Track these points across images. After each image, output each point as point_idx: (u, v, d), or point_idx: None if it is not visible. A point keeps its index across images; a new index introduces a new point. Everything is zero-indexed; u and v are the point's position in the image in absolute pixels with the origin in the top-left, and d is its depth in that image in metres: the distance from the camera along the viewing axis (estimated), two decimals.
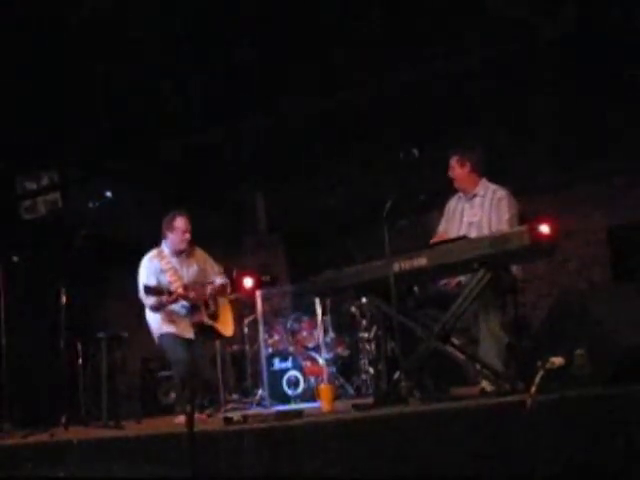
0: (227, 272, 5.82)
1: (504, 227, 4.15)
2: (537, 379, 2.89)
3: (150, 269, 5.20)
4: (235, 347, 7.56)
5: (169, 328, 5.16)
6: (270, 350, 7.19)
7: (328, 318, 7.12)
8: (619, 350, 3.00)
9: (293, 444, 3.07)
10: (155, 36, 5.97)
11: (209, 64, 6.31)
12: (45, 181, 7.75)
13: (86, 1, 5.64)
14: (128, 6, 5.64)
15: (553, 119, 6.70)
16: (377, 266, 4.02)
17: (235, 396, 7.28)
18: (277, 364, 6.98)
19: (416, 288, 4.36)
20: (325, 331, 7.03)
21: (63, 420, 5.04)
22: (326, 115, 6.98)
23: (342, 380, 6.87)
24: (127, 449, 3.55)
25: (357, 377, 6.92)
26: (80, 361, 6.34)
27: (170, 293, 5.03)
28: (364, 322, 7.02)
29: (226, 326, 5.53)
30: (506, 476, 2.65)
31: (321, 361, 6.86)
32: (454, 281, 4.26)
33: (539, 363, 3.01)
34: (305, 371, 6.84)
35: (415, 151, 4.07)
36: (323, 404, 4.25)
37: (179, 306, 5.19)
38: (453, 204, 4.63)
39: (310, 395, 6.61)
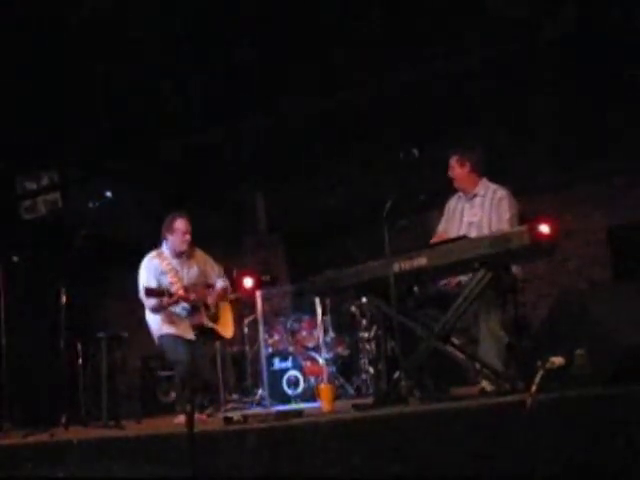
0: (227, 272, 5.82)
1: (504, 227, 4.15)
2: (537, 379, 2.89)
3: (150, 270, 5.20)
4: (235, 347, 7.56)
5: (169, 329, 5.16)
6: (270, 350, 7.19)
7: (328, 318, 7.13)
8: (619, 350, 3.00)
9: (293, 444, 3.07)
10: (155, 36, 5.97)
11: (209, 64, 6.31)
12: (45, 181, 7.75)
13: (86, 1, 5.64)
14: (128, 6, 5.64)
15: (553, 119, 6.70)
16: (377, 266, 4.02)
17: (235, 396, 7.28)
18: (277, 364, 6.99)
19: (416, 288, 4.36)
20: (325, 331, 7.03)
21: (63, 420, 5.04)
22: (326, 115, 6.98)
23: (342, 380, 6.87)
24: (127, 449, 3.55)
25: (357, 377, 6.92)
26: (80, 361, 6.34)
27: (171, 295, 5.03)
28: (364, 322, 7.01)
29: (226, 328, 5.53)
30: (506, 476, 2.64)
31: (321, 361, 6.86)
32: (454, 281, 4.26)
33: (539, 363, 3.01)
34: (305, 371, 6.84)
35: (415, 151, 4.07)
36: (323, 404, 4.25)
37: (179, 308, 5.19)
38: (453, 204, 4.63)
39: (310, 395, 6.61)
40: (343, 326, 7.32)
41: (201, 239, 5.56)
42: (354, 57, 6.17)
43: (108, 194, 5.33)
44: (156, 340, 5.23)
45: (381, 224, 3.99)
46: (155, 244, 5.39)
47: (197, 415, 4.40)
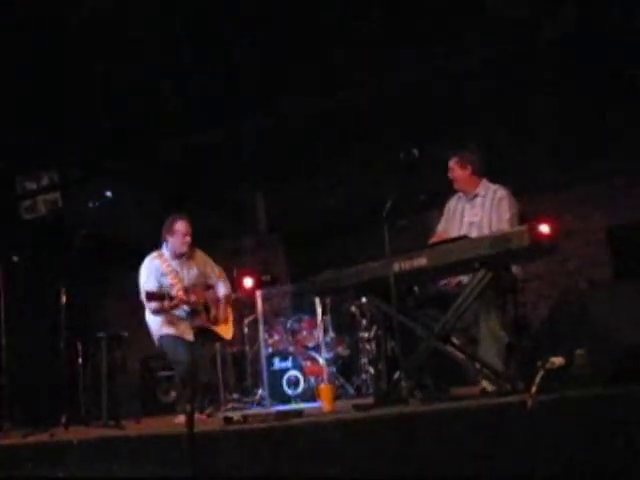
0: (227, 272, 5.83)
1: (504, 227, 4.15)
2: (537, 379, 2.89)
3: (151, 271, 5.20)
4: (235, 347, 7.56)
5: (169, 330, 5.16)
6: (270, 350, 7.19)
7: (328, 318, 7.13)
8: (619, 350, 3.00)
9: (293, 444, 3.07)
10: (155, 36, 5.97)
11: (209, 64, 6.31)
12: (45, 181, 7.74)
13: (86, 1, 5.64)
14: (128, 6, 5.64)
15: (553, 119, 6.70)
16: (377, 266, 4.02)
17: (235, 396, 7.28)
18: (277, 364, 6.98)
19: (416, 288, 4.36)
20: (325, 331, 7.04)
21: (63, 420, 5.03)
22: (326, 115, 6.97)
23: (342, 380, 6.87)
24: (127, 449, 3.55)
25: (357, 377, 6.92)
26: (80, 361, 6.33)
27: (171, 298, 5.03)
28: (364, 322, 7.01)
29: (226, 329, 5.53)
30: (506, 476, 2.64)
31: (321, 361, 6.86)
32: (454, 281, 4.26)
33: (539, 363, 3.01)
34: (305, 371, 6.84)
35: (415, 151, 4.07)
36: (324, 404, 4.25)
37: (180, 310, 5.20)
38: (453, 204, 4.63)
39: (310, 395, 6.61)
40: (343, 326, 7.32)
41: (201, 239, 5.56)
42: (354, 57, 6.16)
43: (108, 194, 5.33)
44: (156, 341, 5.23)
45: (381, 224, 3.98)
46: (155, 244, 5.39)
47: (197, 415, 4.41)
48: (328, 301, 7.05)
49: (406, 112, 6.73)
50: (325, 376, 6.70)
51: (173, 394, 7.35)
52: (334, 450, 2.96)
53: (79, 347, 6.34)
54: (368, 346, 6.90)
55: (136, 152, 7.45)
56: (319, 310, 6.85)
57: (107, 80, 6.42)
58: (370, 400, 4.45)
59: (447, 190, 4.66)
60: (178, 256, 5.32)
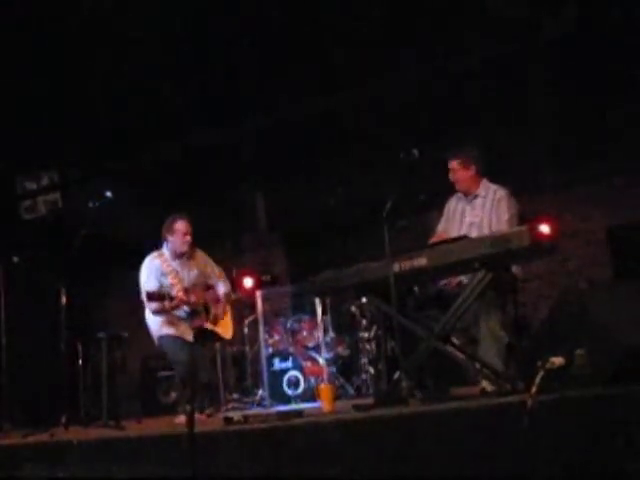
0: (227, 272, 5.83)
1: (503, 227, 4.15)
2: (537, 379, 2.89)
3: (152, 270, 5.20)
4: (235, 347, 7.56)
5: (169, 330, 5.16)
6: (270, 350, 7.18)
7: (328, 318, 7.12)
8: (619, 350, 3.00)
9: (293, 444, 3.07)
10: (155, 36, 5.96)
11: (209, 64, 6.31)
12: (45, 181, 7.74)
13: (86, 1, 5.63)
14: (128, 6, 5.64)
15: (553, 119, 6.70)
16: (377, 266, 4.02)
17: (235, 396, 7.28)
18: (277, 364, 6.98)
19: (416, 288, 4.36)
20: (325, 331, 7.03)
21: (63, 420, 5.04)
22: (326, 115, 6.97)
23: (342, 380, 6.87)
24: (127, 449, 3.55)
25: (357, 377, 6.92)
26: (80, 361, 6.33)
27: (172, 299, 5.03)
28: (364, 322, 7.01)
29: (226, 329, 5.54)
30: (506, 476, 2.64)
31: (321, 361, 6.86)
32: (454, 281, 4.26)
33: (539, 363, 3.01)
34: (305, 371, 6.84)
35: (415, 151, 4.07)
36: (324, 404, 4.25)
37: (180, 310, 5.19)
38: (453, 204, 4.63)
39: (310, 395, 6.61)
40: (343, 326, 7.32)
41: (201, 239, 5.57)
42: (354, 57, 6.16)
43: (108, 194, 5.33)
44: (156, 341, 5.24)
45: (381, 224, 3.98)
46: (155, 244, 5.39)
47: (197, 415, 4.41)
48: (328, 301, 7.05)
49: (406, 112, 6.73)
50: (325, 376, 6.70)
51: (173, 394, 7.35)
52: (334, 450, 2.96)
53: (79, 347, 6.34)
54: (368, 346, 6.90)
55: (136, 152, 7.44)
56: (319, 310, 6.85)
57: (107, 80, 6.41)
58: (370, 400, 4.45)
59: (447, 190, 4.66)
60: (178, 256, 5.32)
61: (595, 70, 6.12)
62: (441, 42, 6.01)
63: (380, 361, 6.57)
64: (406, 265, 3.90)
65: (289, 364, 6.94)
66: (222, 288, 5.52)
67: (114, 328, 6.83)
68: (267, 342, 7.21)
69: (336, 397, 5.05)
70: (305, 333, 7.24)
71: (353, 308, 7.12)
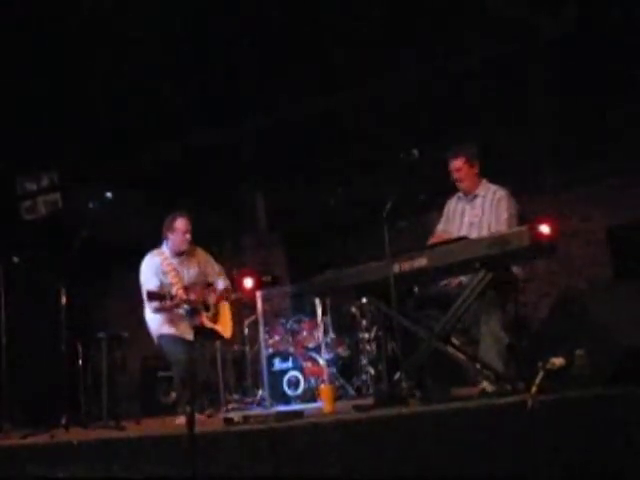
0: (227, 272, 5.82)
1: (502, 227, 4.15)
2: (538, 379, 2.89)
3: (152, 268, 5.20)
4: (235, 348, 7.55)
5: (168, 329, 5.15)
6: (270, 350, 7.18)
7: (328, 318, 7.12)
8: (619, 350, 3.00)
9: (294, 445, 3.07)
10: (155, 36, 5.97)
11: (209, 64, 6.31)
12: (45, 181, 7.75)
13: (86, 1, 5.63)
14: (128, 6, 5.64)
15: (553, 119, 6.70)
16: (377, 267, 4.02)
17: (235, 396, 7.27)
18: (277, 364, 6.98)
19: (416, 288, 4.35)
20: (325, 331, 7.03)
21: (63, 421, 5.03)
22: (326, 115, 6.98)
23: (342, 381, 6.86)
24: (127, 450, 3.55)
25: (357, 378, 6.91)
26: (80, 361, 6.33)
27: (172, 297, 5.03)
28: (364, 322, 7.01)
29: (225, 327, 5.54)
30: (506, 476, 2.64)
31: (321, 361, 6.85)
32: (455, 281, 4.25)
33: (540, 363, 3.01)
34: (305, 371, 6.83)
35: (415, 151, 4.07)
36: (324, 405, 4.25)
37: (180, 308, 5.19)
38: (453, 204, 4.63)
39: (310, 395, 6.61)
40: (343, 327, 7.32)
41: (201, 239, 5.57)
42: (354, 57, 6.16)
43: (108, 195, 5.34)
44: (155, 340, 5.23)
45: (381, 224, 3.98)
46: (155, 244, 5.39)
47: (197, 416, 4.40)
48: (328, 302, 7.04)
49: (406, 112, 6.73)
50: (325, 377, 6.69)
51: (173, 395, 7.34)
52: (334, 451, 2.96)
53: (79, 347, 6.34)
54: (368, 347, 6.90)
55: (136, 152, 7.45)
56: (319, 311, 6.84)
57: (107, 80, 6.41)
58: (370, 401, 4.44)
59: (447, 190, 4.66)
60: (178, 254, 5.32)
61: (595, 70, 6.12)
62: (441, 42, 6.01)
63: (380, 362, 6.56)
64: (406, 265, 3.90)
65: (289, 364, 6.94)
66: (221, 284, 5.52)
67: (114, 328, 6.83)
68: (267, 342, 7.21)
69: (336, 398, 5.05)
70: (305, 333, 7.24)
71: (353, 309, 7.12)
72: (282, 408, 6.15)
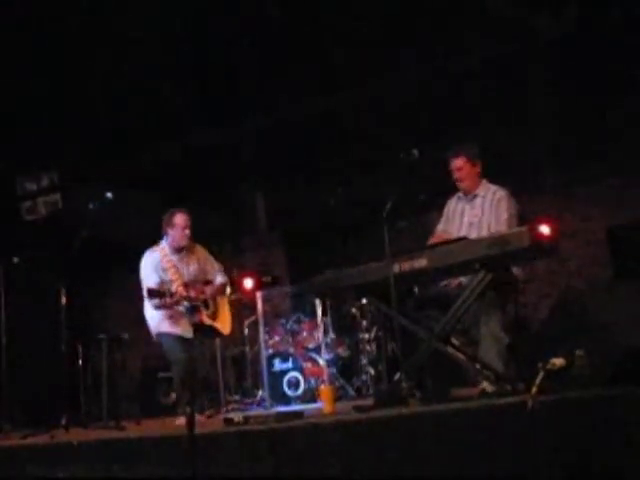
0: (227, 272, 5.82)
1: (502, 228, 4.15)
2: (538, 380, 2.89)
3: (152, 265, 5.18)
4: (235, 348, 7.55)
5: (168, 328, 5.14)
6: (270, 351, 7.17)
7: (328, 319, 7.11)
8: (619, 350, 3.00)
9: (294, 445, 3.07)
10: (155, 36, 5.97)
11: (209, 64, 6.31)
12: (45, 182, 7.75)
13: (86, 1, 5.63)
14: (128, 6, 5.64)
15: (553, 119, 6.69)
16: (377, 267, 4.01)
17: (235, 397, 7.27)
18: (277, 365, 6.97)
19: (416, 289, 4.35)
20: (325, 332, 7.02)
21: (63, 421, 5.03)
22: (326, 115, 6.97)
23: (342, 381, 6.85)
24: (128, 450, 3.55)
25: (357, 378, 6.91)
26: (80, 362, 6.33)
27: (172, 295, 5.03)
28: (364, 323, 7.00)
29: (225, 324, 5.53)
30: (506, 477, 2.64)
31: (321, 362, 6.85)
32: (455, 282, 4.25)
33: (540, 364, 3.01)
34: (305, 372, 6.83)
35: (415, 151, 4.07)
36: (324, 405, 4.25)
37: (180, 305, 5.18)
38: (453, 204, 4.63)
39: (310, 396, 6.60)
40: (343, 327, 7.31)
41: (201, 239, 5.57)
42: (354, 57, 6.16)
43: (108, 195, 5.34)
44: (154, 336, 5.22)
45: (381, 225, 3.98)
46: (155, 244, 5.38)
47: (197, 416, 4.40)
48: (328, 302, 7.04)
49: (406, 112, 6.73)
50: (325, 377, 6.68)
51: (173, 396, 7.34)
52: (334, 451, 2.96)
53: (79, 348, 6.34)
54: (368, 347, 6.89)
55: (136, 152, 7.44)
56: (319, 311, 6.84)
57: (107, 80, 6.41)
58: (370, 401, 4.44)
59: (447, 190, 4.65)
60: (178, 250, 5.31)
61: (595, 70, 6.11)
62: (441, 42, 6.01)
63: (380, 362, 6.56)
64: (406, 266, 3.90)
65: (289, 365, 6.94)
66: (219, 279, 5.51)
67: (114, 328, 6.83)
68: (267, 343, 7.21)
69: (336, 398, 5.05)
70: (305, 334, 7.23)
71: (353, 309, 7.12)
72: (282, 409, 6.14)
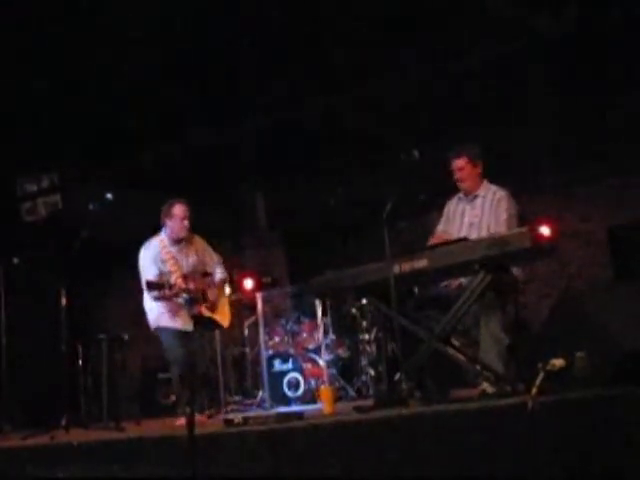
0: (227, 273, 5.81)
1: (502, 228, 4.15)
2: (538, 381, 2.89)
3: (151, 256, 5.14)
4: (235, 349, 7.55)
5: (167, 322, 5.11)
6: (270, 352, 7.18)
7: (328, 320, 7.11)
8: (619, 351, 3.00)
9: (294, 446, 3.07)
10: (155, 36, 5.96)
11: (209, 64, 6.31)
12: (45, 183, 7.74)
13: (86, 1, 5.63)
14: (128, 6, 5.63)
15: (553, 119, 6.69)
16: (377, 267, 4.01)
17: (235, 398, 7.27)
18: (277, 366, 6.97)
19: (416, 289, 4.35)
20: (325, 333, 7.02)
21: (63, 422, 5.03)
22: (326, 115, 6.97)
23: (343, 382, 6.85)
24: (128, 451, 3.55)
25: (358, 379, 6.91)
26: (80, 362, 6.33)
27: (171, 287, 5.01)
28: (364, 323, 7.00)
29: (224, 317, 5.51)
30: (506, 477, 2.64)
31: (321, 363, 6.85)
32: (455, 282, 4.25)
33: (540, 365, 3.01)
34: (305, 373, 6.83)
35: (415, 152, 4.06)
36: (324, 406, 4.25)
37: (179, 297, 5.17)
38: (453, 205, 4.62)
39: (310, 397, 6.60)
40: (343, 328, 7.31)
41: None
42: (354, 57, 6.16)
43: (108, 195, 5.34)
44: (152, 329, 5.20)
45: (381, 225, 3.98)
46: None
47: (197, 417, 4.40)
48: (328, 303, 7.04)
49: (406, 112, 6.73)
50: (325, 378, 6.69)
51: (173, 397, 7.34)
52: (334, 452, 2.96)
53: (79, 348, 6.34)
54: (368, 348, 6.89)
55: (136, 152, 7.44)
56: (319, 312, 6.84)
57: (107, 80, 6.41)
58: (370, 402, 4.44)
59: (447, 190, 4.65)
60: (177, 241, 5.28)
61: (595, 70, 6.11)
62: (441, 42, 6.00)
63: (380, 363, 6.56)
64: (406, 266, 3.90)
65: (289, 366, 6.94)
66: (219, 274, 5.50)
67: (114, 329, 6.84)
68: (267, 344, 7.21)
69: (336, 399, 5.05)
70: (305, 335, 7.24)
71: (353, 310, 7.11)
72: (282, 409, 6.14)
